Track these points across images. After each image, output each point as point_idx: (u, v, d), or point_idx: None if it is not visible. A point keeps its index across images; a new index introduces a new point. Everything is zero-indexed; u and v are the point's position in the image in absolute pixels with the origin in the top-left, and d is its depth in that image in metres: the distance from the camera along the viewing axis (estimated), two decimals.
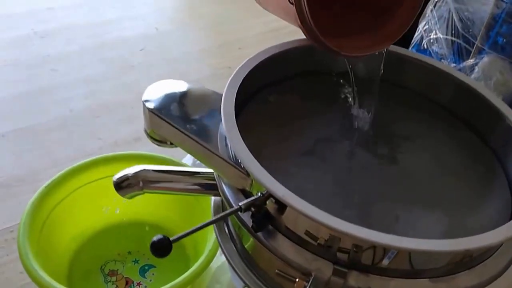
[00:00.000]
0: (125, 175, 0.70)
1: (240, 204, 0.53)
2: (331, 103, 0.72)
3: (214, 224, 0.69)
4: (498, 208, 0.61)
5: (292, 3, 0.60)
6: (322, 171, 0.63)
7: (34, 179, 1.23)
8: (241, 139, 0.54)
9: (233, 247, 0.66)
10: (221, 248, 0.67)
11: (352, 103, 0.70)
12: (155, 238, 0.49)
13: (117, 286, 1.03)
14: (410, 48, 1.53)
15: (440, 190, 0.64)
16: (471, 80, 0.73)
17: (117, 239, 1.09)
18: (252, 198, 0.53)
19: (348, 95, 0.71)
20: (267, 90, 0.72)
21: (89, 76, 1.69)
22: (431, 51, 1.46)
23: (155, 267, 1.07)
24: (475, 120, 0.72)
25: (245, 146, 0.54)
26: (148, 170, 0.70)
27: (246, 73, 0.65)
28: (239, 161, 0.55)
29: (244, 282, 0.64)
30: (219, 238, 0.68)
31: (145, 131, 0.67)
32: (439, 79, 0.74)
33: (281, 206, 0.53)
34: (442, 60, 1.42)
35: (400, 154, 0.67)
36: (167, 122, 0.61)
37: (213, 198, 0.75)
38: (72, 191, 1.02)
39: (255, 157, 0.53)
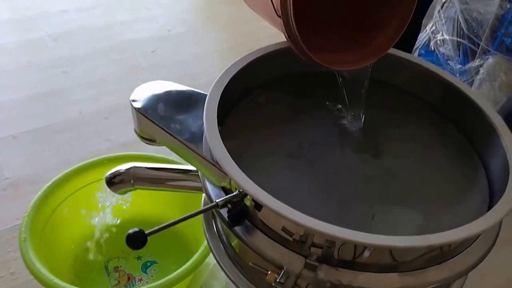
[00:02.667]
0: (117, 171, 0.74)
1: (217, 200, 0.56)
2: (319, 105, 0.75)
3: (203, 221, 0.73)
4: (476, 209, 0.63)
5: (279, 16, 0.62)
6: (304, 172, 0.66)
7: (42, 179, 1.25)
8: (220, 138, 0.58)
9: (220, 244, 0.70)
10: (208, 244, 0.70)
11: (340, 106, 0.73)
12: (130, 231, 0.53)
13: (119, 282, 1.07)
14: (417, 50, 1.54)
15: (420, 189, 0.66)
16: (457, 79, 0.75)
17: (121, 236, 1.10)
18: (229, 195, 0.56)
19: (336, 97, 0.73)
20: (256, 91, 0.75)
21: (100, 78, 1.73)
22: (437, 52, 1.48)
23: (157, 263, 1.11)
24: (461, 120, 0.74)
25: (223, 145, 0.57)
26: (138, 167, 0.73)
27: (232, 75, 0.68)
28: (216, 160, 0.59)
29: (229, 277, 0.67)
30: (207, 234, 0.71)
31: (135, 130, 0.70)
32: (426, 79, 0.77)
33: (256, 203, 0.56)
34: (448, 61, 1.44)
35: (384, 154, 0.70)
36: (153, 122, 0.65)
37: (203, 195, 0.78)
38: (75, 190, 1.05)
39: (238, 157, 0.56)
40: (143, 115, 0.65)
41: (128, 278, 1.07)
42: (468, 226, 0.53)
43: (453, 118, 0.75)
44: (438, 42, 1.46)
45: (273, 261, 0.56)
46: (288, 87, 0.77)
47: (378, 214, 0.61)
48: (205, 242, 0.93)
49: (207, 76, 1.78)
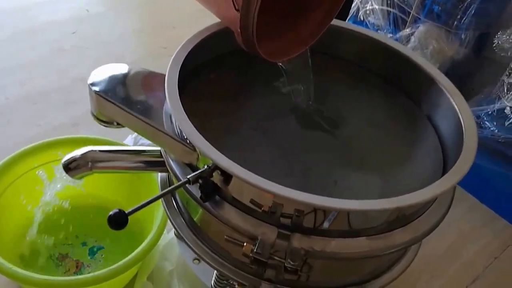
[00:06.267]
0: (73, 156, 0.74)
1: (188, 177, 0.58)
2: (272, 78, 0.78)
3: (163, 200, 0.75)
4: (431, 169, 0.68)
5: (237, 10, 0.62)
6: (264, 144, 0.69)
7: None
8: (186, 116, 0.59)
9: (182, 220, 0.72)
10: (171, 221, 0.72)
11: (289, 82, 0.76)
12: (111, 213, 0.53)
13: (68, 269, 1.06)
14: (347, 20, 1.59)
15: (377, 154, 0.71)
16: (402, 46, 0.80)
17: (63, 223, 1.10)
18: (200, 170, 0.58)
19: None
20: (208, 68, 0.77)
21: (23, 62, 1.68)
22: (367, 22, 1.54)
23: (103, 248, 1.11)
24: (409, 85, 0.79)
25: (190, 122, 0.59)
26: (95, 151, 0.74)
27: (188, 51, 0.70)
28: (185, 137, 0.60)
29: (194, 252, 0.70)
30: (168, 212, 0.73)
31: (92, 113, 0.71)
32: (372, 48, 0.81)
33: (227, 176, 0.58)
34: (379, 31, 1.50)
35: (338, 123, 0.75)
36: (114, 104, 0.65)
37: (159, 174, 0.80)
38: (17, 178, 1.03)
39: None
40: (104, 97, 0.65)
41: (77, 265, 1.07)
42: (436, 185, 0.57)
43: (401, 84, 0.80)
44: (367, 11, 1.51)
45: (246, 233, 0.59)
46: (240, 62, 0.79)
47: (340, 180, 0.65)
48: (155, 224, 0.94)
49: (133, 56, 1.77)
